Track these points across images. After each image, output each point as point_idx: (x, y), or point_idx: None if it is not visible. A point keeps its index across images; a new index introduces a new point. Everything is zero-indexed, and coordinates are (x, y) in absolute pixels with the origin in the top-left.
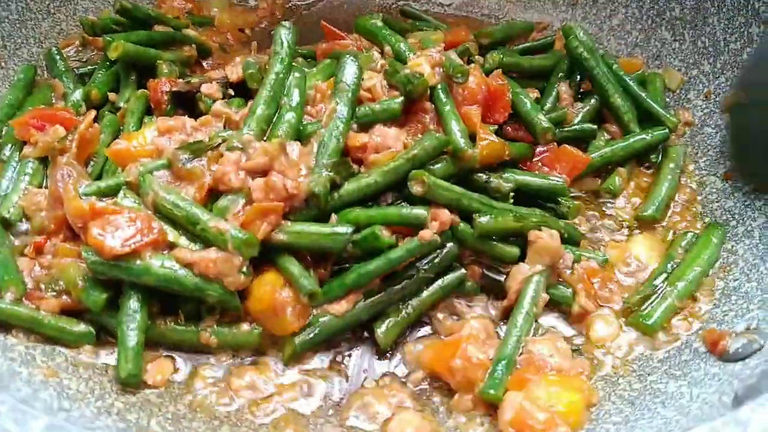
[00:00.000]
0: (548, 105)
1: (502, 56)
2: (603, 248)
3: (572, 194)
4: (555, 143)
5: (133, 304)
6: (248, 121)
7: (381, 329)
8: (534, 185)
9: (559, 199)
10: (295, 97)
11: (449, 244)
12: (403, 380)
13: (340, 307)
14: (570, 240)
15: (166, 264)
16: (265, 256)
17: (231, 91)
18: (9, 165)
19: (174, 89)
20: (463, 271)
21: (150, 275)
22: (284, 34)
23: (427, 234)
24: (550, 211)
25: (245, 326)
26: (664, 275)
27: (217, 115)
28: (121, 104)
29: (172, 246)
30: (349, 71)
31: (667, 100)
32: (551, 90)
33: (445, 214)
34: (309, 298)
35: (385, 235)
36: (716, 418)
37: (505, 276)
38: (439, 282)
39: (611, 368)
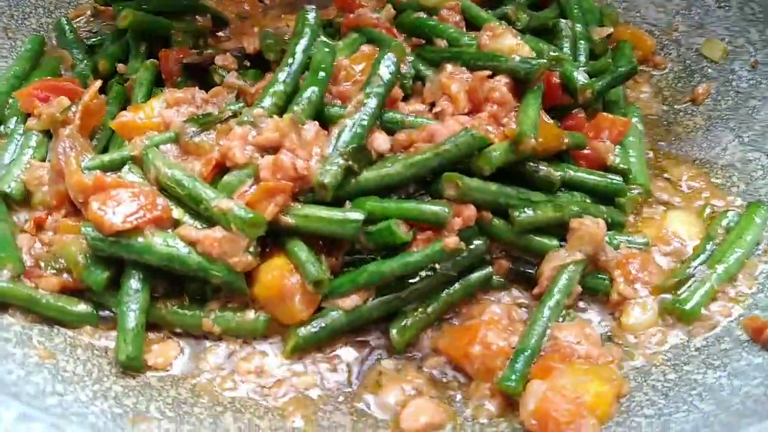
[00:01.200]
0: (582, 58)
1: (528, 17)
2: (637, 225)
3: None
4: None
5: (134, 283)
6: (264, 96)
7: (396, 329)
8: (590, 183)
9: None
10: (320, 72)
11: (476, 242)
12: (419, 365)
13: (351, 301)
14: (613, 224)
15: (168, 242)
16: (274, 239)
17: (247, 63)
18: (12, 138)
19: (186, 60)
20: (489, 269)
21: (152, 253)
22: (310, 16)
23: (451, 242)
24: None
25: (251, 313)
26: (703, 257)
27: (230, 87)
28: (131, 76)
29: (176, 224)
30: (386, 67)
31: (710, 70)
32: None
33: (469, 210)
34: (315, 285)
35: (401, 230)
36: (764, 416)
37: (535, 268)
38: (463, 281)
39: (643, 356)
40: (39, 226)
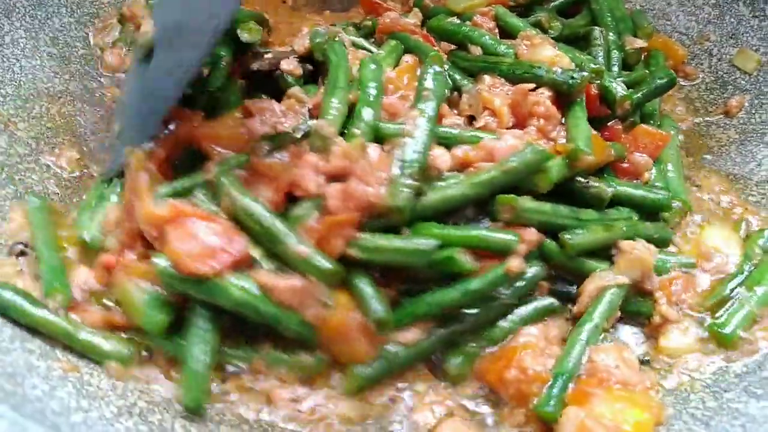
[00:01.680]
0: (615, 68)
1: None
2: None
3: None
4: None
5: (202, 322)
6: (326, 114)
7: (455, 362)
8: (637, 198)
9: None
10: (372, 90)
11: (534, 268)
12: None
13: (411, 335)
14: (659, 241)
15: (244, 286)
16: None
17: (309, 66)
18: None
19: (255, 67)
20: (552, 301)
21: (227, 297)
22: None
23: (515, 264)
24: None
25: (304, 356)
26: (741, 278)
27: (297, 100)
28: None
29: (252, 263)
30: (435, 80)
31: (743, 82)
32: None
33: (532, 234)
34: (377, 324)
35: (464, 260)
36: None
37: (575, 287)
38: (523, 310)
39: (681, 382)
40: (108, 270)
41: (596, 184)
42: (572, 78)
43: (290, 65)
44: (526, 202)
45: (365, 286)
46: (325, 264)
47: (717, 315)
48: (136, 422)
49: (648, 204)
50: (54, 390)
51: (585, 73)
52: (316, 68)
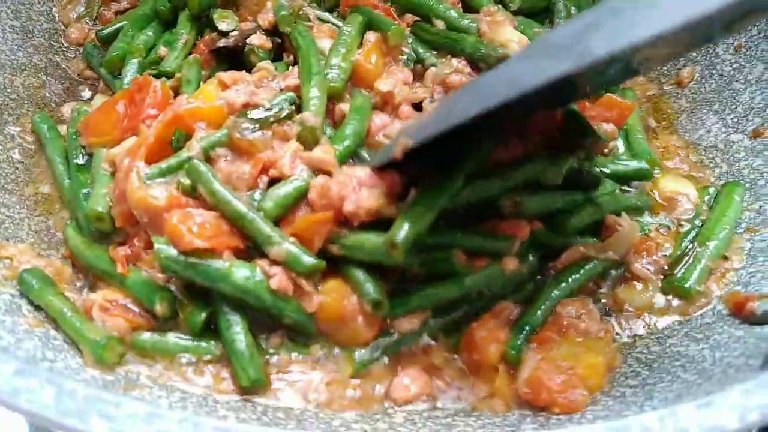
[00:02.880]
0: None
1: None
2: None
3: None
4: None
5: (226, 308)
6: (308, 106)
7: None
8: (620, 171)
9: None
10: (358, 119)
11: (528, 262)
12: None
13: (408, 324)
14: (642, 209)
15: (249, 273)
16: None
17: (278, 39)
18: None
19: (220, 44)
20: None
21: (227, 282)
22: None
23: (511, 263)
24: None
25: (317, 348)
26: (693, 234)
27: (268, 72)
28: (166, 69)
29: (247, 252)
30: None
31: (694, 54)
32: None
33: (525, 230)
34: (373, 306)
35: (461, 260)
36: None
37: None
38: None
39: (631, 331)
40: (131, 262)
41: (589, 169)
42: None
43: (259, 40)
44: (531, 198)
45: (358, 272)
46: (307, 260)
47: (676, 270)
48: (102, 372)
49: (630, 175)
50: (20, 342)
51: None
52: (282, 42)
